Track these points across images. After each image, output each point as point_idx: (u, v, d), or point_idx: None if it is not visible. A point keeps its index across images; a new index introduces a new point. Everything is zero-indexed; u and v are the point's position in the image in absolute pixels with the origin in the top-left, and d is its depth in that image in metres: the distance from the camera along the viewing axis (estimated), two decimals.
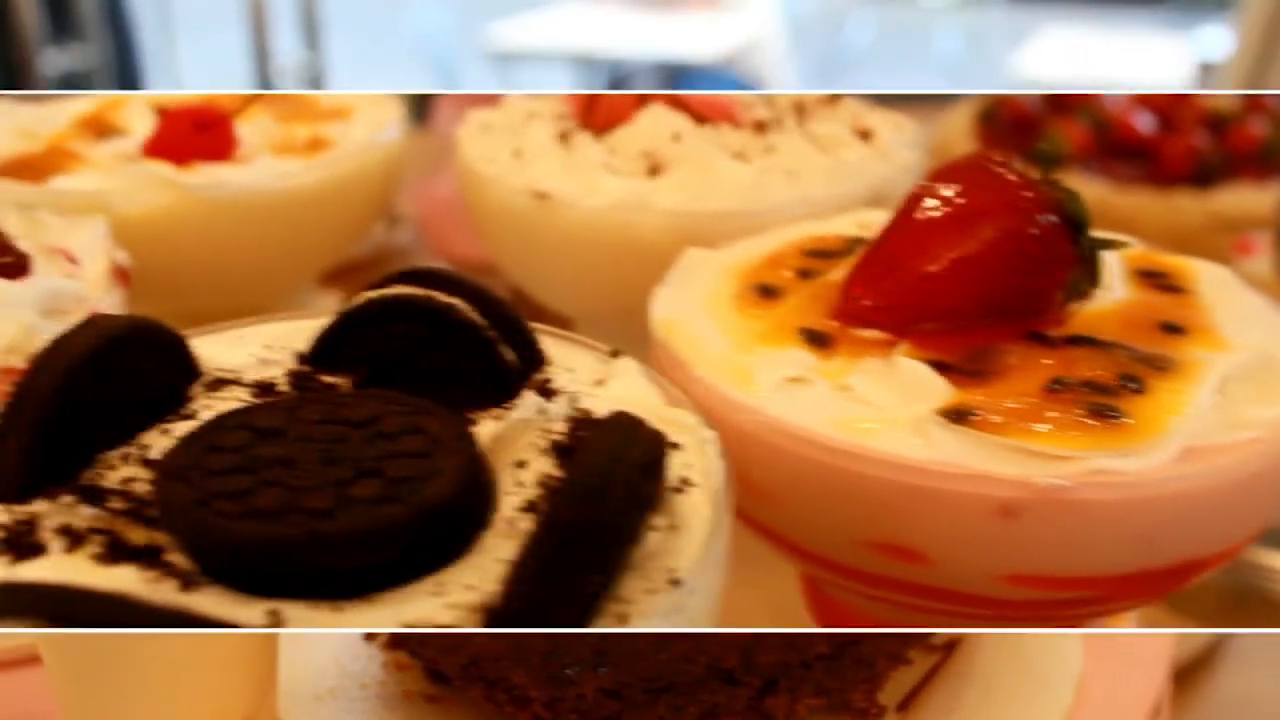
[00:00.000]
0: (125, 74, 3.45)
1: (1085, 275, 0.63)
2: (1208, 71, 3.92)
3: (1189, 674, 1.03)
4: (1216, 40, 3.94)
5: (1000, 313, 0.57)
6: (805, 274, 0.73)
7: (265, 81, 3.10)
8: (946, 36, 5.05)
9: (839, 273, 0.68)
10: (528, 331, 0.65)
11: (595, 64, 5.18)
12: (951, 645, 0.81)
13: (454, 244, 1.34)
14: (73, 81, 3.25)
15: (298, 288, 1.16)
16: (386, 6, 5.66)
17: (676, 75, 5.10)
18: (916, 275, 0.58)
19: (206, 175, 1.02)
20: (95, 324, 0.54)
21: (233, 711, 0.70)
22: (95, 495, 0.51)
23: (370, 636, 0.82)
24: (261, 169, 1.04)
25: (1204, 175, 1.36)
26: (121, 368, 0.54)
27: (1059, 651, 0.82)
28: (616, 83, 5.20)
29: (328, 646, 0.82)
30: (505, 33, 5.11)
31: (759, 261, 0.74)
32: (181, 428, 0.55)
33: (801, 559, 0.59)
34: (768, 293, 0.70)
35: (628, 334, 0.70)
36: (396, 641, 0.79)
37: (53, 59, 3.17)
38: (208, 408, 0.58)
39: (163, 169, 1.00)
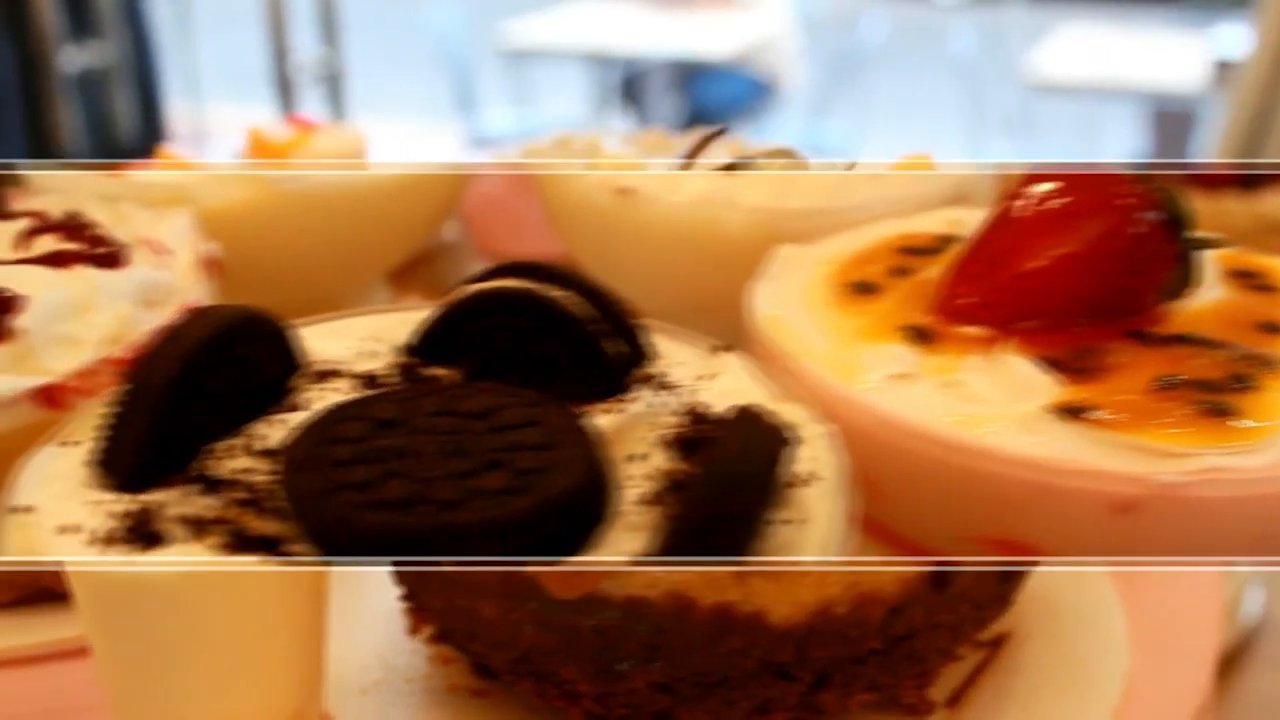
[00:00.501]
0: (143, 72, 3.46)
1: (1183, 274, 0.63)
2: (1225, 70, 3.91)
3: (1222, 669, 1.02)
4: (1235, 38, 3.93)
5: (1100, 311, 0.57)
6: (900, 271, 0.73)
7: (284, 78, 3.10)
8: (961, 35, 5.04)
9: (934, 270, 0.68)
10: (634, 325, 0.65)
11: (609, 62, 5.18)
12: (999, 640, 0.81)
13: (499, 240, 1.34)
14: (91, 79, 3.25)
15: (370, 283, 1.16)
16: (403, 4, 5.66)
17: (690, 73, 5.10)
18: (1018, 273, 0.58)
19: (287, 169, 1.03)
20: (207, 314, 0.54)
21: (282, 706, 0.70)
22: (214, 485, 0.51)
23: (415, 630, 0.81)
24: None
25: (1251, 177, 1.35)
26: (232, 358, 0.54)
27: (1107, 647, 0.82)
28: (631, 81, 5.20)
29: (373, 641, 0.81)
30: (519, 31, 5.11)
31: (852, 258, 0.74)
32: (291, 418, 0.54)
33: (910, 553, 0.58)
34: (865, 289, 0.69)
35: (708, 331, 0.70)
36: (442, 635, 0.79)
37: (71, 56, 3.18)
38: (315, 399, 0.57)
39: (244, 163, 1.00)
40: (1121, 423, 0.48)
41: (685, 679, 0.68)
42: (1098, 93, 4.57)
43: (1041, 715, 0.77)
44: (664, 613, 0.67)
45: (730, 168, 0.83)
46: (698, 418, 0.59)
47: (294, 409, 0.56)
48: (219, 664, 0.67)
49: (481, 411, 0.54)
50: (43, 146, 3.24)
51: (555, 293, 0.60)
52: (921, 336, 0.59)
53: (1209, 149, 3.58)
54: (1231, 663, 1.06)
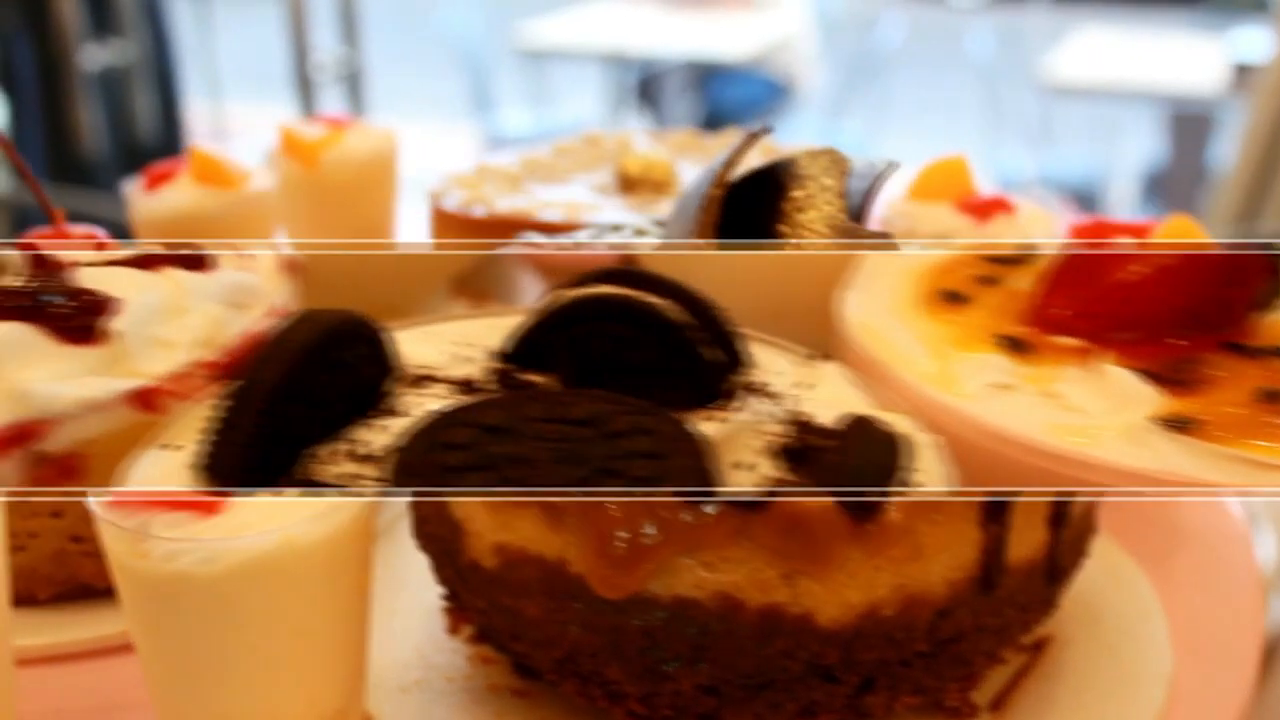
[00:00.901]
0: (163, 71, 3.46)
1: (1275, 286, 0.63)
2: (1245, 73, 3.90)
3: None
4: (1255, 42, 3.92)
5: (1195, 323, 0.57)
6: (987, 280, 0.73)
7: (304, 77, 3.10)
8: (979, 37, 5.02)
9: (1022, 279, 0.67)
10: (731, 332, 0.64)
11: (626, 62, 5.18)
12: (1042, 644, 0.81)
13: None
14: (112, 77, 3.26)
15: (434, 289, 1.16)
16: (420, 4, 5.66)
17: (706, 74, 5.09)
18: (1115, 284, 0.57)
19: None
20: (309, 319, 0.54)
21: (325, 704, 0.70)
22: (319, 490, 0.50)
23: (455, 629, 0.81)
24: None
25: None
26: (333, 362, 0.53)
27: (1150, 651, 0.81)
28: (647, 81, 5.19)
29: (413, 639, 0.81)
30: (536, 31, 5.11)
31: (937, 266, 0.73)
32: (391, 424, 0.54)
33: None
34: (954, 298, 0.69)
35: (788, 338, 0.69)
36: (482, 635, 0.79)
37: (92, 54, 3.19)
38: (413, 404, 0.57)
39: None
40: (1228, 436, 0.48)
41: (731, 680, 0.68)
42: (1116, 95, 4.55)
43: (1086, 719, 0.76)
44: (711, 614, 0.67)
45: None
46: (804, 427, 0.59)
47: (393, 414, 0.56)
48: (264, 662, 0.67)
49: (589, 418, 0.54)
50: (63, 145, 3.25)
51: (652, 299, 0.60)
52: (1017, 346, 0.59)
53: (1228, 153, 3.56)
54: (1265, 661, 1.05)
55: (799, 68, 5.16)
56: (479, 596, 0.73)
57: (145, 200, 1.18)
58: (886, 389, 0.56)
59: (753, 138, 0.77)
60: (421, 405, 0.56)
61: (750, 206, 0.78)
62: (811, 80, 5.25)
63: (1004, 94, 4.90)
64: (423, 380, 0.60)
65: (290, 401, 0.49)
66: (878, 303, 0.68)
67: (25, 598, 0.84)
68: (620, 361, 0.59)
